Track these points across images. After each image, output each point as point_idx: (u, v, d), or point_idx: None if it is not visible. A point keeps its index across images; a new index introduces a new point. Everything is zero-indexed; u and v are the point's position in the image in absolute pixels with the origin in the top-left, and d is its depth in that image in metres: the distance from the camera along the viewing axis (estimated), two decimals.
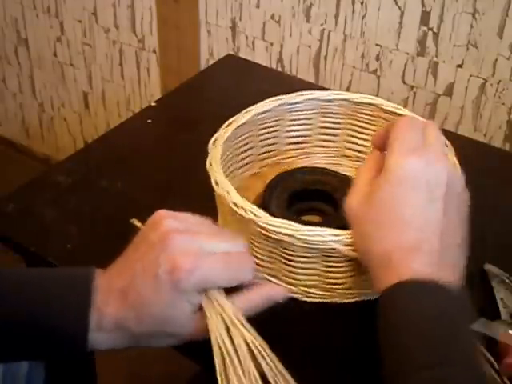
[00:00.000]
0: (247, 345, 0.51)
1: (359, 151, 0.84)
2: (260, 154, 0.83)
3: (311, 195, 0.78)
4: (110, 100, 1.76)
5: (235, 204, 0.64)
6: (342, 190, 0.76)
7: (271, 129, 0.81)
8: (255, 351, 0.51)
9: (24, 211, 0.79)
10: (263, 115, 0.79)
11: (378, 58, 1.23)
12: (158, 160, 0.90)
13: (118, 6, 1.56)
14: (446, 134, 0.74)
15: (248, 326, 0.53)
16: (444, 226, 0.56)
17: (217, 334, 0.52)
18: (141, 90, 1.67)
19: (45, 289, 0.54)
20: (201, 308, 0.54)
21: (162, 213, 0.57)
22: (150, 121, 0.97)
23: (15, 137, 2.09)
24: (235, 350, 0.51)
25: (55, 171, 0.87)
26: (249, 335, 0.52)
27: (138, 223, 0.66)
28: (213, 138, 0.72)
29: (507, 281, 0.69)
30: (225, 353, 0.51)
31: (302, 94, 0.80)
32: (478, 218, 0.79)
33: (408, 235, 0.55)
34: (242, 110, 0.77)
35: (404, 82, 1.23)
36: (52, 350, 0.54)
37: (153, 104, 1.02)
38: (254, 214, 0.63)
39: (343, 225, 0.63)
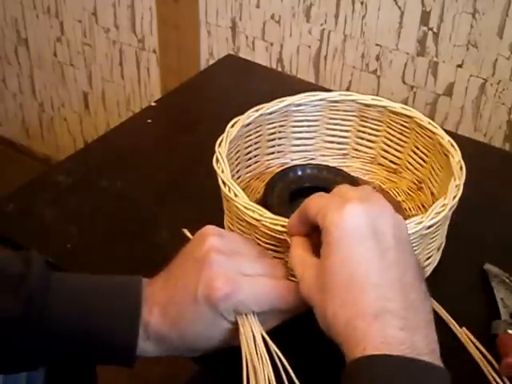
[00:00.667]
0: (271, 358, 0.53)
1: (366, 152, 0.84)
2: (266, 155, 0.83)
3: (312, 191, 0.78)
4: (110, 100, 1.76)
5: (242, 205, 0.64)
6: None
7: (277, 129, 0.81)
8: (278, 363, 0.53)
9: (24, 211, 0.79)
10: (270, 116, 0.79)
11: (378, 58, 1.23)
12: (158, 160, 0.90)
13: (118, 6, 1.57)
14: (446, 133, 0.75)
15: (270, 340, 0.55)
16: (404, 280, 0.48)
17: (247, 348, 0.54)
18: (141, 90, 1.67)
19: (97, 297, 0.54)
20: (234, 323, 0.55)
21: (208, 229, 0.58)
22: (149, 121, 0.97)
23: (15, 137, 2.09)
24: (260, 363, 0.53)
25: (55, 171, 0.87)
26: (273, 348, 0.54)
27: (188, 234, 0.67)
28: (220, 138, 0.72)
29: (507, 281, 0.69)
30: (250, 365, 0.53)
31: (309, 95, 0.80)
32: (478, 218, 0.79)
33: (368, 296, 0.47)
34: (242, 110, 0.77)
35: (404, 82, 1.23)
36: (101, 356, 0.55)
37: (153, 104, 1.02)
38: (261, 215, 0.63)
39: None
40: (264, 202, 0.74)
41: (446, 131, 0.75)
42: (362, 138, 0.84)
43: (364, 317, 0.46)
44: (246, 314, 0.55)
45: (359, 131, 0.83)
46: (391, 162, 0.83)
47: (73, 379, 0.95)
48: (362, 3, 1.20)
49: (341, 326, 0.47)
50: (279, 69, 1.36)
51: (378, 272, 0.48)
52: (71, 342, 0.54)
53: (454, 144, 0.72)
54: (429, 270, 0.71)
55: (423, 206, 0.78)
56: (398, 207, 0.79)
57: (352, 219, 0.49)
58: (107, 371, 1.17)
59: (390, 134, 0.81)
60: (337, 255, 0.49)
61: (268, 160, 0.84)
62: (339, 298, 0.48)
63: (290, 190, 0.77)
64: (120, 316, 0.53)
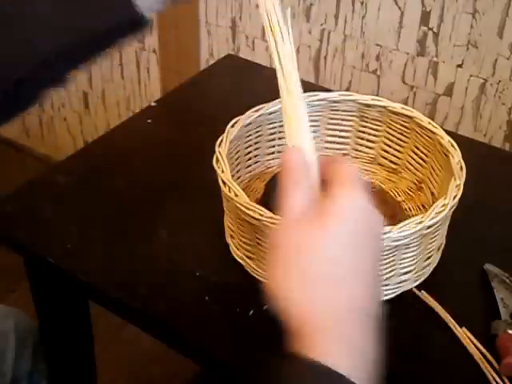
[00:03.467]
0: None
1: (366, 152, 0.84)
2: (266, 155, 0.83)
3: None
4: (110, 100, 1.76)
5: (242, 205, 0.64)
6: None
7: (277, 129, 0.81)
8: None
9: (24, 211, 0.79)
10: (270, 116, 0.79)
11: (378, 58, 1.23)
12: (158, 160, 0.90)
13: None
14: (446, 133, 0.75)
15: None
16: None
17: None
18: (141, 90, 1.67)
19: None
20: None
21: None
22: (149, 121, 0.97)
23: (15, 137, 2.09)
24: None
25: (55, 171, 0.87)
26: None
27: None
28: (220, 138, 0.72)
29: (507, 281, 0.69)
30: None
31: (309, 95, 0.80)
32: (478, 218, 0.79)
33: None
34: (242, 110, 0.77)
35: (404, 82, 1.23)
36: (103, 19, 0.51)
37: (153, 104, 1.02)
38: (261, 215, 0.63)
39: None
40: (264, 201, 0.74)
41: (446, 131, 0.75)
42: (362, 138, 0.84)
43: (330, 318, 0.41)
44: None
45: (359, 131, 0.83)
46: (391, 162, 0.83)
47: (73, 379, 0.95)
48: (362, 3, 1.20)
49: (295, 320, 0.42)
50: None
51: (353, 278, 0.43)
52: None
53: (454, 144, 0.72)
54: (429, 270, 0.71)
55: (423, 206, 0.78)
56: (397, 207, 0.79)
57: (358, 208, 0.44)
58: (107, 371, 1.18)
59: (389, 134, 0.81)
60: (327, 232, 0.43)
61: (268, 160, 0.84)
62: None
63: None
64: None
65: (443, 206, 0.64)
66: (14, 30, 0.48)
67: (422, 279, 0.70)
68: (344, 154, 0.85)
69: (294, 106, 0.52)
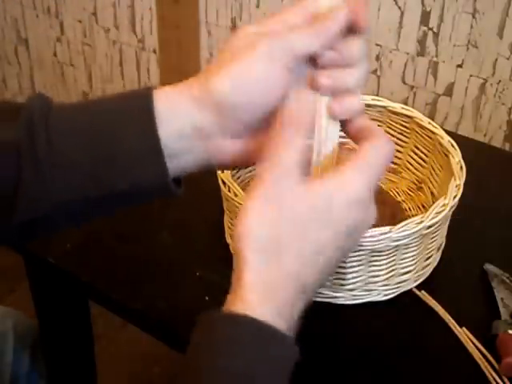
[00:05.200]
0: None
1: None
2: None
3: None
4: None
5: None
6: None
7: None
8: None
9: None
10: None
11: (378, 58, 1.23)
12: None
13: (117, 6, 1.56)
14: (446, 133, 0.75)
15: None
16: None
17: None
18: None
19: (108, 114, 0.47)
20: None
21: None
22: None
23: None
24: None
25: None
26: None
27: None
28: None
29: (507, 281, 0.69)
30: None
31: None
32: (478, 218, 0.79)
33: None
34: None
35: (404, 82, 1.23)
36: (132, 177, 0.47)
37: None
38: None
39: None
40: None
41: (446, 131, 0.75)
42: None
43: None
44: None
45: None
46: (391, 162, 0.83)
47: (73, 379, 0.95)
48: None
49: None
50: None
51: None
52: (87, 172, 0.46)
53: (454, 144, 0.72)
54: (429, 270, 0.71)
55: (423, 206, 0.78)
56: (397, 207, 0.79)
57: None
58: (107, 371, 1.18)
59: (389, 134, 0.81)
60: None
61: None
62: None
63: None
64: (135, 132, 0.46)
65: (443, 205, 0.64)
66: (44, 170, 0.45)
67: (422, 279, 0.70)
68: None
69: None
